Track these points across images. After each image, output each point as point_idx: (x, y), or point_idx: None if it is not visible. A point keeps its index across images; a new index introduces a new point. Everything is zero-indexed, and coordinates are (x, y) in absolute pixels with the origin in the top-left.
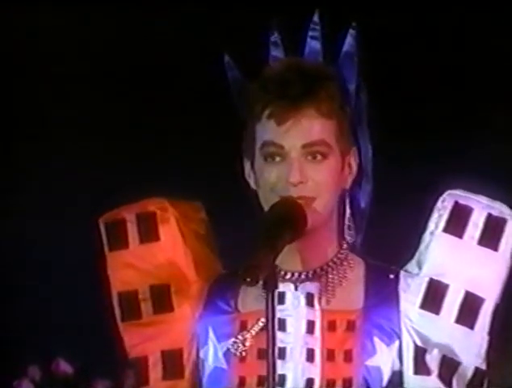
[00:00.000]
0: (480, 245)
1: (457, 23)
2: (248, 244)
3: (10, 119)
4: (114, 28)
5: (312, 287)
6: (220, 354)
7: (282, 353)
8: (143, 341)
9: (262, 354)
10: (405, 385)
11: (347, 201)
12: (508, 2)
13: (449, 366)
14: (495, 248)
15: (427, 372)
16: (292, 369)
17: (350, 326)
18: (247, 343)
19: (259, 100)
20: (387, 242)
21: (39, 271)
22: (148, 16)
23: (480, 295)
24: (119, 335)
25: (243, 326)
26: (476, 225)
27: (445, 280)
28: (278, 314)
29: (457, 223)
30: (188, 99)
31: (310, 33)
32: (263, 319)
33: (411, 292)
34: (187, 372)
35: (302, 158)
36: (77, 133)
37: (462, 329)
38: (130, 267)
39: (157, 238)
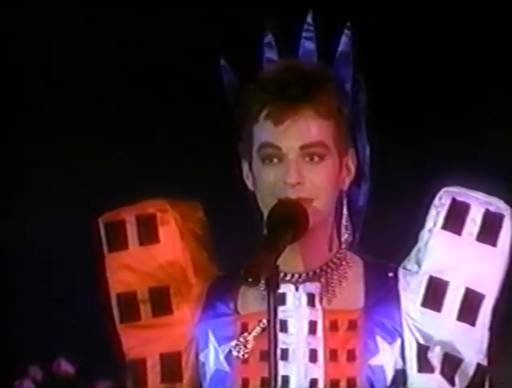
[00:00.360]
0: (478, 241)
1: (456, 22)
2: (246, 245)
3: (10, 119)
4: (114, 28)
5: (312, 287)
6: (222, 357)
7: (284, 354)
8: (141, 343)
9: (265, 356)
10: (409, 383)
11: (344, 202)
12: (508, 2)
13: (451, 363)
14: (494, 244)
15: (430, 369)
16: (295, 369)
17: (352, 325)
18: (249, 346)
19: (257, 101)
20: (385, 240)
21: (39, 271)
22: (148, 16)
23: (481, 291)
24: (117, 337)
25: (244, 329)
26: (474, 221)
27: (445, 278)
28: (279, 315)
29: (455, 220)
30: (188, 99)
31: (304, 34)
32: (264, 321)
33: (411, 290)
34: (186, 375)
35: (300, 160)
36: (77, 133)
37: (463, 326)
38: (129, 269)
39: (156, 240)
